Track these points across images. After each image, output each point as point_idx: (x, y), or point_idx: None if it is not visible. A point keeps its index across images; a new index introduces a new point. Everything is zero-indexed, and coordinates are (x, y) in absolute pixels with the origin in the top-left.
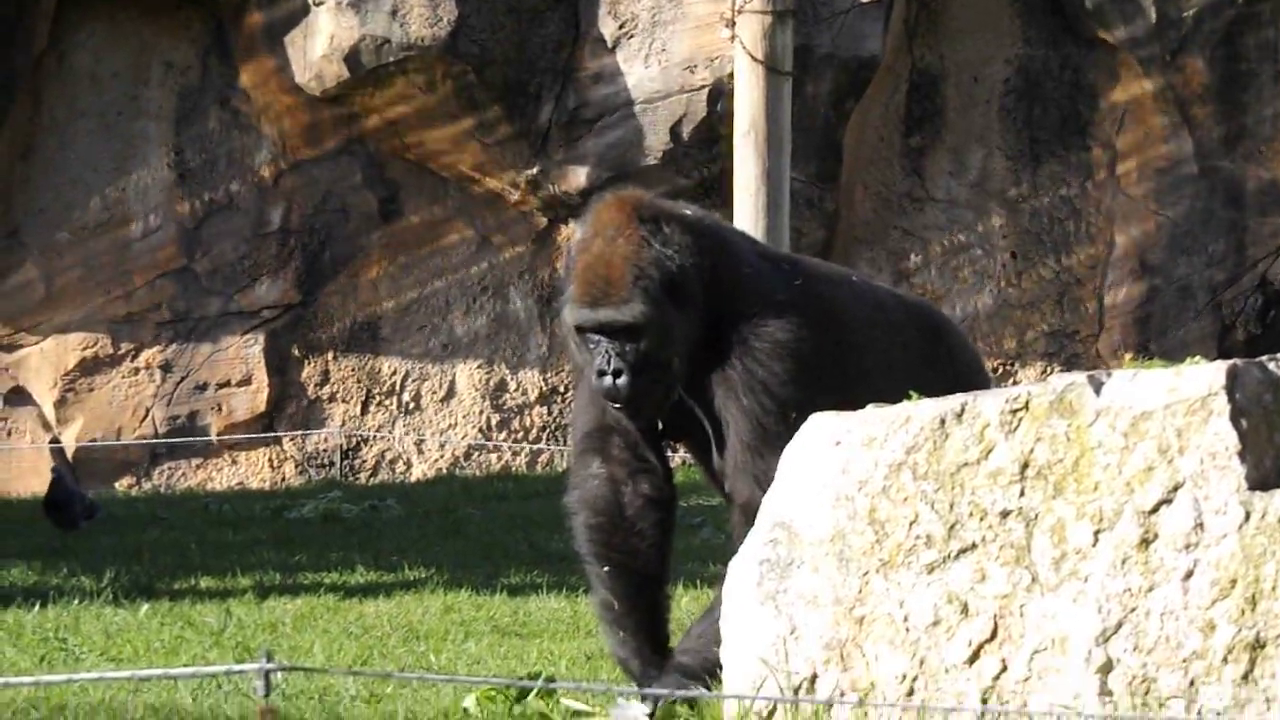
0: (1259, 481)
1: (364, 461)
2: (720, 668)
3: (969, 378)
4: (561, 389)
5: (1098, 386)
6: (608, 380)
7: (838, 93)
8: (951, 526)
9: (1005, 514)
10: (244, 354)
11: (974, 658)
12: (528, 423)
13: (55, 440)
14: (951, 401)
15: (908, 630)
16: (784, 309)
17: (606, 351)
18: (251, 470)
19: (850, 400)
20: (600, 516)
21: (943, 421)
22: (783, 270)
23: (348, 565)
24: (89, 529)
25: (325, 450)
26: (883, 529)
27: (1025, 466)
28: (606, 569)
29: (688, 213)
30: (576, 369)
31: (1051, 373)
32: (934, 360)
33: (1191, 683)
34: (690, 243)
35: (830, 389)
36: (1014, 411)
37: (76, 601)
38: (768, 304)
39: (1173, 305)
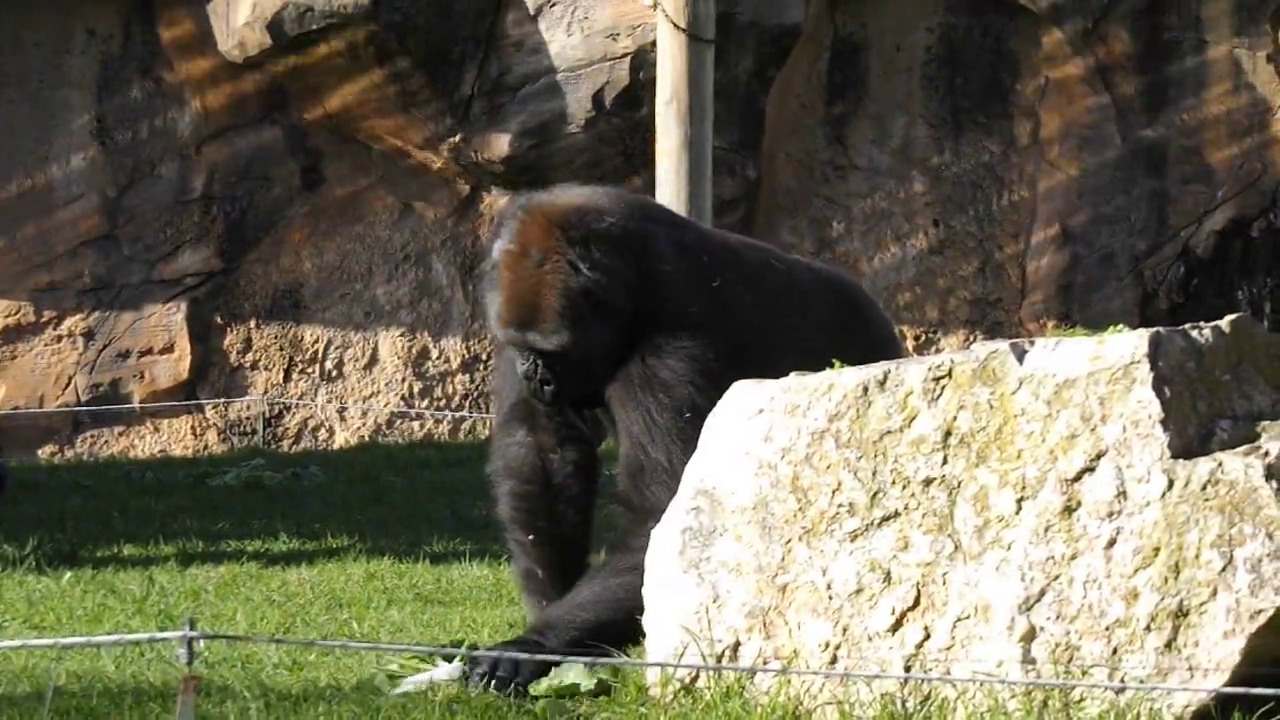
0: (1182, 449)
1: (286, 429)
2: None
3: (884, 353)
4: (484, 356)
5: (1020, 354)
6: (534, 384)
7: (760, 61)
8: (874, 494)
9: (928, 482)
10: (166, 322)
11: (897, 625)
12: (450, 390)
13: None
14: (875, 369)
15: (830, 598)
16: (696, 320)
17: (534, 363)
18: (174, 438)
19: None
20: (527, 484)
21: (865, 389)
22: (701, 266)
23: (270, 533)
24: (9, 497)
25: (248, 418)
26: (805, 497)
27: (948, 434)
28: (531, 537)
29: (612, 223)
30: (499, 345)
31: (974, 341)
32: (850, 336)
33: (1114, 651)
34: (618, 263)
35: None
36: (937, 379)
37: None
38: (681, 314)
39: (1095, 273)
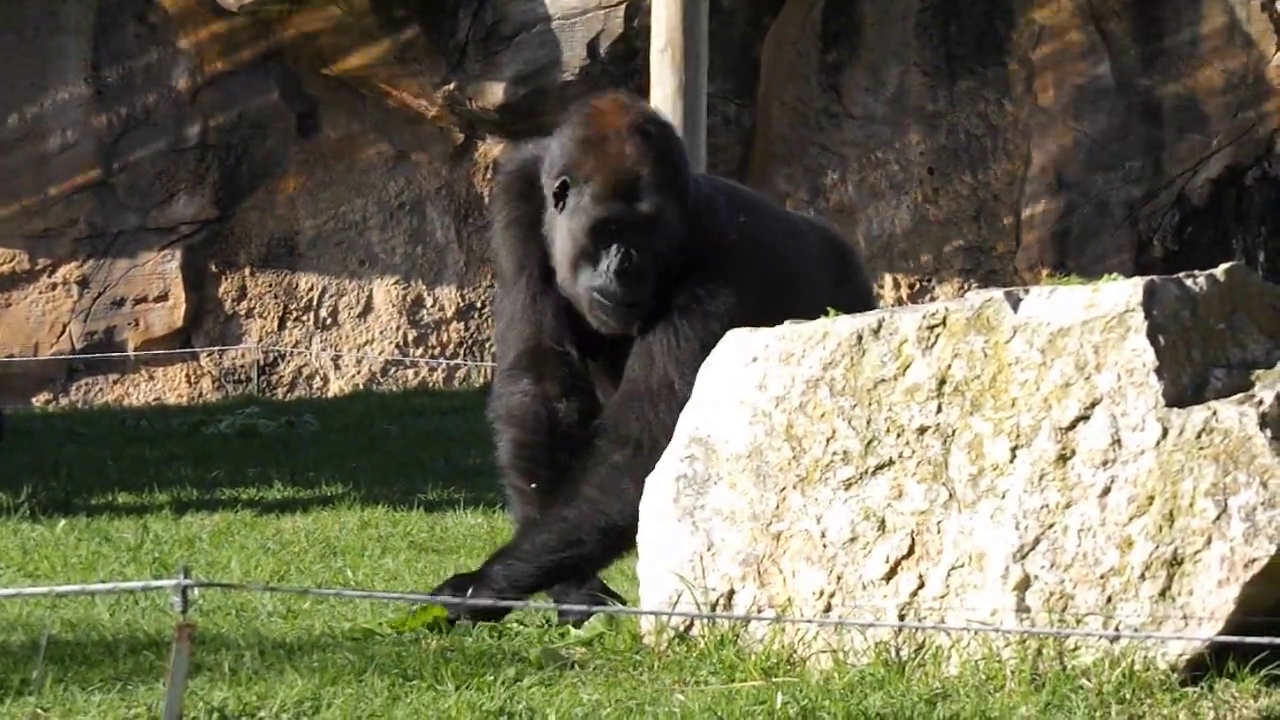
0: (1176, 398)
1: (281, 377)
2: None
3: (866, 300)
4: (478, 304)
5: (1015, 303)
6: (625, 280)
7: (755, 8)
8: (869, 443)
9: (922, 430)
10: (161, 269)
11: (891, 574)
12: (444, 338)
13: None
14: (869, 317)
15: (825, 546)
16: (737, 254)
17: (625, 252)
18: (169, 386)
19: None
20: (531, 434)
21: (860, 338)
22: (724, 203)
23: (265, 481)
24: (5, 445)
25: (242, 366)
26: (800, 445)
27: (943, 383)
28: (533, 485)
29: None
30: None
31: (969, 289)
32: (842, 282)
33: (1109, 599)
34: (686, 158)
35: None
36: (931, 328)
37: None
38: (722, 246)
39: (1090, 221)
